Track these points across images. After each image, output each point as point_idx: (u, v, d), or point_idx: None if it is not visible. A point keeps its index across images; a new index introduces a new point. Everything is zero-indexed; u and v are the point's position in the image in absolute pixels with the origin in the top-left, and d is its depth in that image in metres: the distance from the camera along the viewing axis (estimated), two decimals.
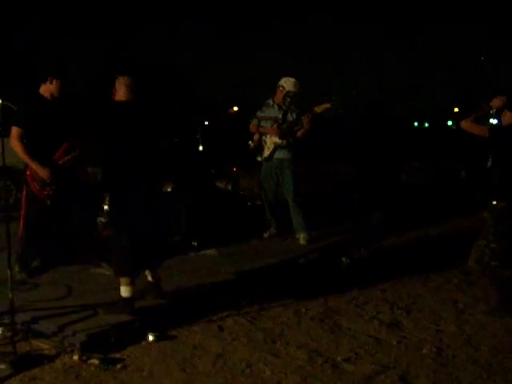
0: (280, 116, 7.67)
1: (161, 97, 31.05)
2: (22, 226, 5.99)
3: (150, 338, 4.71)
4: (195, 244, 7.17)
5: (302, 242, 7.52)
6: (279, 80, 7.73)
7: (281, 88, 7.67)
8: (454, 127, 37.79)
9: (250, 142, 7.90)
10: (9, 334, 4.48)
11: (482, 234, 6.25)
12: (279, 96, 7.70)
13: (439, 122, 43.61)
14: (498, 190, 6.03)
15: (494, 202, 6.05)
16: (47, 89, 5.95)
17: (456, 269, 6.63)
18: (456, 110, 43.48)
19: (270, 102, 7.83)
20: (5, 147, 5.74)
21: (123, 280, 5.09)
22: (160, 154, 5.55)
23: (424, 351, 4.60)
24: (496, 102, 6.10)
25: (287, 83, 7.63)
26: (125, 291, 5.06)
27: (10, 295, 4.42)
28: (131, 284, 5.07)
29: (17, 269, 5.89)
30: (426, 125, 48.29)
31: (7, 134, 5.76)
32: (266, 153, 7.72)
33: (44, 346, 4.54)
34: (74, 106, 6.20)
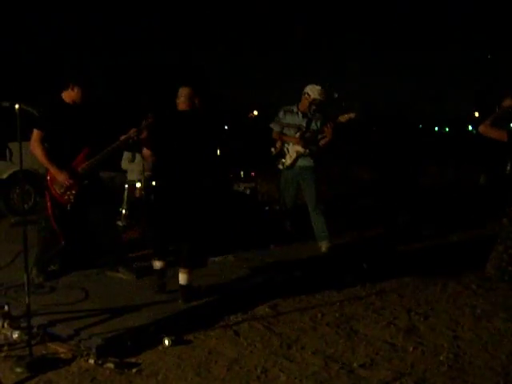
0: (304, 124, 7.61)
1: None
2: (56, 229, 5.99)
3: (166, 342, 4.71)
4: None
5: (323, 249, 7.47)
6: (305, 87, 7.63)
7: (306, 95, 7.58)
8: (474, 132, 37.55)
9: (273, 149, 7.83)
10: (25, 337, 4.51)
11: (501, 240, 6.20)
12: (304, 103, 7.63)
13: (460, 127, 43.35)
14: None
15: None
16: (69, 95, 5.99)
17: (474, 274, 6.58)
18: (476, 114, 43.19)
19: (295, 108, 7.73)
20: (26, 151, 5.84)
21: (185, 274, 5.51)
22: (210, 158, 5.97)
23: (441, 358, 4.56)
24: (507, 102, 6.02)
25: (313, 91, 7.54)
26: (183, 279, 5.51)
27: (27, 299, 4.44)
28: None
29: (35, 272, 5.93)
30: (447, 129, 48.02)
31: (27, 139, 5.83)
32: (288, 161, 7.65)
33: (60, 349, 4.57)
34: (96, 113, 6.23)
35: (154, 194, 6.19)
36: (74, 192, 5.91)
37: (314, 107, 7.55)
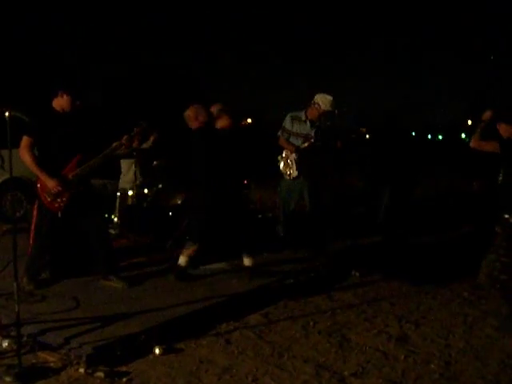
0: (312, 133, 7.60)
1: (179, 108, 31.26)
2: (31, 237, 6.00)
3: (157, 351, 4.69)
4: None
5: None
6: (314, 96, 7.64)
7: (317, 106, 7.56)
8: (467, 140, 37.64)
9: (280, 158, 7.81)
10: (15, 346, 4.47)
11: (493, 248, 6.19)
12: (314, 113, 7.61)
13: (453, 135, 43.42)
14: (510, 204, 5.98)
15: (506, 216, 5.99)
16: (58, 103, 5.98)
17: (466, 283, 6.58)
18: (469, 122, 43.30)
19: (303, 116, 7.71)
20: (17, 158, 5.82)
21: (188, 252, 6.35)
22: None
23: (432, 366, 4.56)
24: (487, 115, 6.06)
25: (324, 102, 7.52)
26: (182, 260, 6.38)
27: (17, 307, 4.41)
28: (191, 256, 6.36)
29: (25, 280, 5.91)
30: (440, 137, 48.13)
31: (18, 146, 5.81)
32: (295, 173, 7.68)
33: (50, 358, 4.54)
34: (88, 119, 6.22)
35: (205, 200, 6.49)
36: (64, 199, 5.89)
37: (322, 118, 7.55)
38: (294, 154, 7.55)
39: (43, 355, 4.58)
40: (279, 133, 7.82)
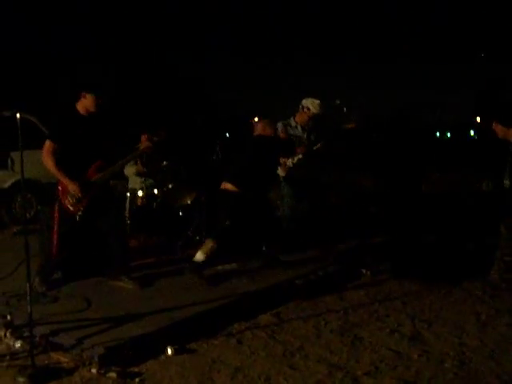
0: (305, 137, 7.63)
1: (186, 111, 31.34)
2: (55, 242, 5.97)
3: (169, 351, 4.69)
4: None
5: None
6: (302, 100, 7.65)
7: (305, 110, 7.58)
8: (475, 137, 37.51)
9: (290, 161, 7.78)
10: (28, 346, 4.48)
11: (499, 248, 6.20)
12: (303, 117, 7.63)
13: (461, 132, 43.26)
14: None
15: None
16: (82, 105, 5.98)
17: (478, 281, 6.54)
18: (478, 119, 43.12)
19: (292, 122, 7.72)
20: (27, 160, 5.83)
21: (207, 249, 6.38)
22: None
23: (446, 365, 4.52)
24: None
25: (314, 106, 7.55)
26: (199, 256, 6.38)
27: (29, 308, 4.42)
28: (209, 255, 6.38)
29: (37, 281, 5.91)
30: (448, 135, 47.95)
31: (29, 147, 5.82)
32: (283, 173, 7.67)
33: (63, 359, 4.54)
34: (108, 123, 6.23)
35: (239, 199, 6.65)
36: (84, 203, 5.91)
37: (311, 121, 7.59)
38: (290, 160, 7.52)
39: (56, 356, 4.57)
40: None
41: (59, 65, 29.42)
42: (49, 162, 5.85)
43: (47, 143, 5.83)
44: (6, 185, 10.00)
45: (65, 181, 5.84)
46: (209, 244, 6.45)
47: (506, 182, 6.23)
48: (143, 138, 6.20)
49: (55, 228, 5.91)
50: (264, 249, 7.12)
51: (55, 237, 5.93)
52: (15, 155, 9.36)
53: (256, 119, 8.32)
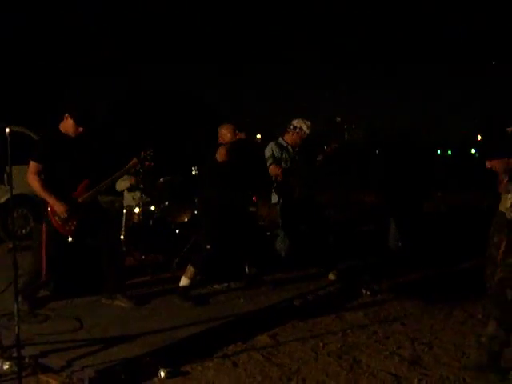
0: (296, 157, 7.56)
1: (186, 125, 31.37)
2: (44, 264, 5.84)
3: (162, 374, 4.55)
4: None
5: (331, 277, 7.31)
6: (292, 121, 7.60)
7: (298, 130, 7.51)
8: (476, 155, 37.45)
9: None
10: (16, 368, 4.35)
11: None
12: (295, 138, 7.55)
13: (462, 150, 43.24)
14: None
15: None
16: (64, 126, 5.90)
17: (480, 302, 6.40)
18: (479, 137, 43.10)
19: (283, 142, 7.63)
20: (23, 175, 5.73)
21: (191, 274, 6.33)
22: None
23: None
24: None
25: (308, 126, 7.51)
26: (184, 281, 6.34)
27: (17, 329, 4.29)
28: (193, 279, 6.37)
29: (20, 299, 5.76)
30: (449, 152, 47.93)
31: (25, 162, 5.73)
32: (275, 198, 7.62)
33: (52, 381, 4.41)
34: (91, 143, 6.15)
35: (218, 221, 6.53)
36: (75, 223, 5.80)
37: (301, 142, 7.55)
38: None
39: (45, 378, 4.45)
40: (270, 162, 7.60)
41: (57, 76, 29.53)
42: (34, 183, 5.75)
43: (31, 164, 5.74)
44: (2, 200, 9.91)
45: (51, 201, 5.73)
46: (191, 269, 6.38)
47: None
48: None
49: (43, 249, 5.78)
50: (246, 269, 7.00)
51: (43, 258, 5.81)
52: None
53: (258, 136, 8.19)
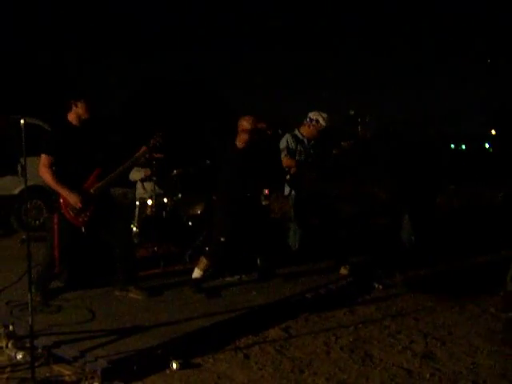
0: (312, 150, 7.51)
1: (197, 118, 31.38)
2: (57, 255, 5.86)
3: (174, 365, 4.57)
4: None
5: (343, 271, 7.29)
6: (309, 113, 7.53)
7: (314, 123, 7.47)
8: (490, 150, 37.28)
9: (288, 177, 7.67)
10: (29, 358, 4.37)
11: None
12: (311, 131, 7.49)
13: (476, 144, 43.03)
14: None
15: None
16: (74, 114, 5.88)
17: (493, 297, 6.37)
18: (493, 132, 42.88)
19: (299, 135, 7.59)
20: (37, 167, 5.74)
21: (203, 266, 6.39)
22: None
23: None
24: None
25: (323, 119, 7.45)
26: (196, 273, 6.41)
27: (30, 319, 4.31)
28: (206, 271, 6.43)
29: (33, 289, 5.79)
30: (463, 147, 47.71)
31: (39, 154, 5.74)
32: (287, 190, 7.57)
33: (65, 371, 4.44)
34: (102, 132, 6.15)
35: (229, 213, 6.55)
36: (88, 214, 5.81)
37: (318, 135, 7.50)
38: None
39: (57, 368, 4.48)
40: (284, 153, 7.56)
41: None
42: (46, 176, 5.76)
43: (43, 157, 5.74)
44: (16, 191, 9.96)
45: (64, 193, 5.74)
46: (203, 261, 6.43)
47: None
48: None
49: (55, 241, 5.80)
50: (259, 262, 6.99)
51: (56, 250, 5.83)
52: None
53: (279, 131, 8.13)
